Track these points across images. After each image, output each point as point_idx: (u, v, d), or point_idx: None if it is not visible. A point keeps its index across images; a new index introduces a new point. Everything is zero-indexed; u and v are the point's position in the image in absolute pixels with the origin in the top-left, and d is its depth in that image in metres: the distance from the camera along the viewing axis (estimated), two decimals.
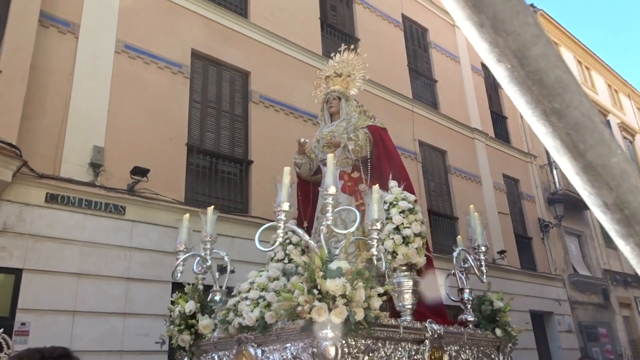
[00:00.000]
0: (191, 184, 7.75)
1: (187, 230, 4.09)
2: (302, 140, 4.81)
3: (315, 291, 2.77)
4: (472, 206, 4.43)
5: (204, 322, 3.74)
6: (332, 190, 3.25)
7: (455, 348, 3.74)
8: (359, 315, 2.80)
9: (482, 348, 4.00)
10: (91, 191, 6.58)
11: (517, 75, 0.48)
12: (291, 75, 9.48)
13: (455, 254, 4.21)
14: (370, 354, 3.04)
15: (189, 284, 4.10)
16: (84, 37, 7.09)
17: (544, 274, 14.09)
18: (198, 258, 4.06)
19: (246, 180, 8.39)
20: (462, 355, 3.76)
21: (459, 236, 4.48)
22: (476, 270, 4.15)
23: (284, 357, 3.09)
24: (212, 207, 4.27)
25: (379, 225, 3.33)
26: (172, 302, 4.04)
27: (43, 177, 6.19)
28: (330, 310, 2.74)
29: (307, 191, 4.99)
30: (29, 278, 5.89)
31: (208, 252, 4.03)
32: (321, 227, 3.35)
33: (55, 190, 6.29)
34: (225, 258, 4.11)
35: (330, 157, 3.41)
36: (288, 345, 3.10)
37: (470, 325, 4.04)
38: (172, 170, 7.47)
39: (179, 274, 3.87)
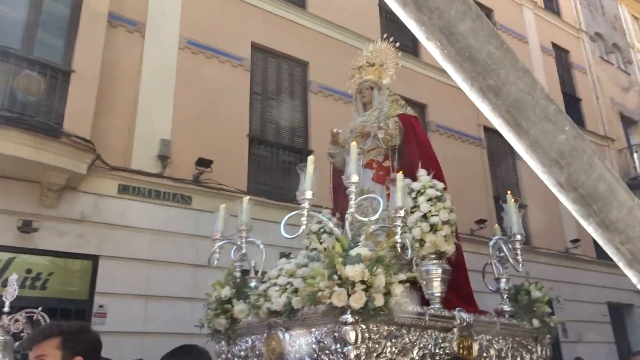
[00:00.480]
0: (253, 173, 7.95)
1: (223, 219, 4.26)
2: (334, 130, 4.85)
3: (335, 277, 2.82)
4: (509, 192, 4.31)
5: (238, 307, 3.86)
6: (354, 178, 3.29)
7: (488, 337, 3.68)
8: (379, 301, 2.82)
9: (517, 339, 3.90)
10: (159, 182, 6.93)
11: (448, 52, 0.46)
12: (350, 63, 9.44)
13: (491, 243, 4.14)
14: (393, 340, 3.05)
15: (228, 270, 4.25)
16: (149, 36, 7.44)
17: None
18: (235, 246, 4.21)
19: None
20: (494, 345, 3.68)
21: (497, 225, 4.39)
22: (510, 260, 4.02)
23: (309, 341, 3.16)
24: (247, 197, 4.41)
25: (402, 213, 3.34)
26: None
27: (115, 169, 6.59)
28: (349, 295, 2.79)
29: (342, 181, 5.06)
30: (105, 264, 6.31)
31: (243, 240, 4.16)
32: (346, 215, 3.38)
33: (127, 181, 6.68)
34: (260, 246, 4.21)
35: (353, 145, 3.44)
36: (313, 329, 3.17)
37: (507, 315, 3.94)
38: (234, 161, 7.70)
39: (215, 261, 4.04)
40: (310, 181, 3.31)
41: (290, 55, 9.03)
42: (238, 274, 4.20)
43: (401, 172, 3.67)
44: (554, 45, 14.79)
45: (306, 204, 3.26)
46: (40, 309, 2.98)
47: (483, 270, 4.23)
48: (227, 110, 7.88)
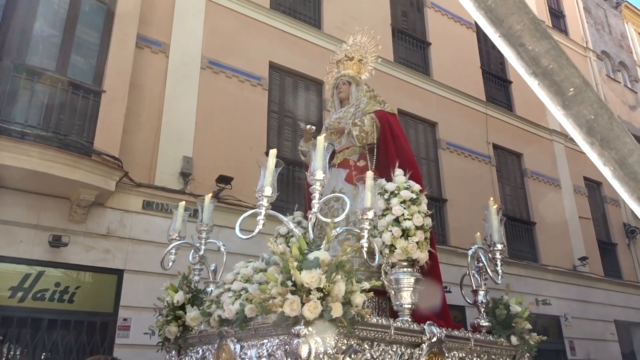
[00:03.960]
0: None
1: (181, 218, 4.01)
2: (307, 126, 4.58)
3: (290, 283, 2.50)
4: (491, 199, 4.04)
5: (191, 314, 3.51)
6: (319, 175, 2.97)
7: (460, 355, 3.40)
8: (336, 311, 2.49)
9: (493, 357, 3.62)
10: (182, 198, 7.05)
11: (618, 174, 0.64)
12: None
13: (470, 252, 3.84)
14: (353, 355, 2.70)
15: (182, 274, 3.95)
16: (173, 56, 7.67)
17: (631, 282, 13.34)
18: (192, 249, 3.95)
19: None
20: None
21: (478, 233, 4.09)
22: (489, 271, 3.78)
23: (261, 354, 2.85)
24: (210, 194, 4.12)
25: (369, 215, 2.97)
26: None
27: (140, 185, 6.78)
28: (303, 304, 2.47)
29: None
30: (129, 278, 6.46)
31: (203, 242, 3.87)
32: (309, 216, 3.04)
33: (151, 197, 6.86)
34: (222, 248, 3.94)
35: (319, 139, 3.11)
36: (265, 341, 2.85)
37: (483, 331, 3.66)
38: (253, 178, 7.73)
39: (170, 263, 3.75)
40: (271, 177, 2.95)
41: (306, 74, 9.25)
42: (196, 278, 3.88)
43: (373, 171, 3.35)
44: None
45: (264, 202, 2.88)
46: None
47: (461, 282, 3.94)
48: (246, 128, 8.09)
